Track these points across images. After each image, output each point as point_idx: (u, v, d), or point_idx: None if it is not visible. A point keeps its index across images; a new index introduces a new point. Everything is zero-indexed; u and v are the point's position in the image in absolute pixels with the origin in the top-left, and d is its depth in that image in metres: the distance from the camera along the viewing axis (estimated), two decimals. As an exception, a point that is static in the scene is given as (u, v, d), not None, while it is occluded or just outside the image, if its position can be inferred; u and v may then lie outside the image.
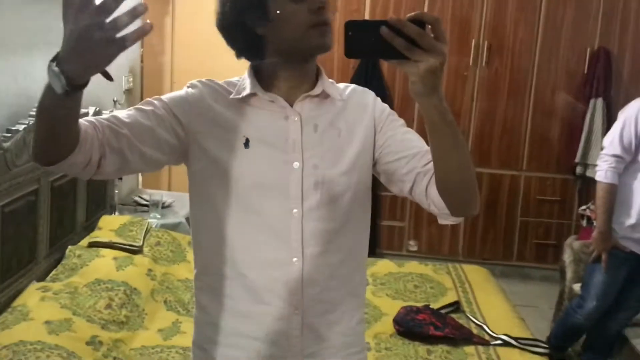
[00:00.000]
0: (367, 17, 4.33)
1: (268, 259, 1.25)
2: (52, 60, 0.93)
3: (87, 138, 1.07)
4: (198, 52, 4.54)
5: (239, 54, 1.27)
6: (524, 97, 4.53)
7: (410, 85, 1.00)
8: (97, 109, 2.97)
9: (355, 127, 1.29)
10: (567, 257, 3.61)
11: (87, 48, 0.89)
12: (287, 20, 1.19)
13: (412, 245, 4.69)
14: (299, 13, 1.17)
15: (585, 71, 4.41)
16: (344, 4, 4.42)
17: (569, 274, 3.55)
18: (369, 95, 1.35)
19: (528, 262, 4.71)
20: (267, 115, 1.25)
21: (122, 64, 3.77)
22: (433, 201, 1.20)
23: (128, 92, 3.91)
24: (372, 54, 1.02)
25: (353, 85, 1.36)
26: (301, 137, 1.25)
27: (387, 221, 4.64)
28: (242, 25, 1.21)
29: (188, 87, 1.29)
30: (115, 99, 3.56)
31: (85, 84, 0.95)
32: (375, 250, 4.53)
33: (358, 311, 1.37)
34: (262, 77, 1.27)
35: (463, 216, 1.22)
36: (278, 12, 1.18)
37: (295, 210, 1.24)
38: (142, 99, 4.26)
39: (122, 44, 0.89)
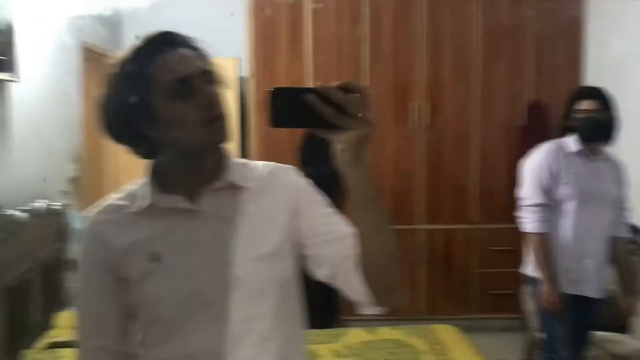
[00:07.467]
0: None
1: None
2: None
3: None
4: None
5: (133, 153, 1.19)
6: (468, 154, 4.66)
7: (339, 154, 0.99)
8: (48, 203, 2.86)
9: (275, 211, 1.21)
10: (530, 306, 3.62)
11: None
12: (175, 121, 1.11)
13: (375, 309, 4.64)
14: (188, 112, 1.10)
15: (525, 123, 4.59)
16: (286, 75, 4.49)
17: (533, 323, 3.56)
18: (291, 173, 1.27)
19: (488, 313, 4.74)
20: (172, 221, 1.16)
21: (63, 153, 3.66)
22: (354, 288, 1.13)
23: (74, 180, 3.79)
24: (299, 123, 0.98)
25: (273, 164, 1.28)
26: (213, 235, 1.17)
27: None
28: (128, 126, 1.13)
29: (84, 239, 1.22)
30: (62, 190, 3.45)
31: None
32: (337, 318, 4.44)
33: None
34: (162, 177, 1.19)
35: (388, 306, 1.14)
36: (164, 113, 1.11)
37: (216, 313, 1.15)
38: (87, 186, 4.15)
39: None
